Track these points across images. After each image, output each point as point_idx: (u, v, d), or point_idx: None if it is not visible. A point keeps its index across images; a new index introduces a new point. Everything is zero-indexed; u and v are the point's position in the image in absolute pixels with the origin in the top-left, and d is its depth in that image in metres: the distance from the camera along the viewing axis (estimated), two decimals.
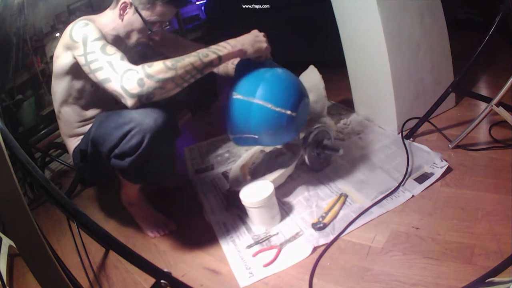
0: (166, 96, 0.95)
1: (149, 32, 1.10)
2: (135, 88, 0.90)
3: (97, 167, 1.11)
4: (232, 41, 1.03)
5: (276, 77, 1.08)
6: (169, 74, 0.92)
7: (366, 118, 1.64)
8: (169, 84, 0.93)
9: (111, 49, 0.97)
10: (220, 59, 1.00)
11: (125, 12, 1.07)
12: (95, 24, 1.03)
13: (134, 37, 1.11)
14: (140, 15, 1.06)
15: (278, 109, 1.05)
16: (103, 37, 1.01)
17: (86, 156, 1.09)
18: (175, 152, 1.11)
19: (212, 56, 0.98)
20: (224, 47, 1.01)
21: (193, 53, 0.97)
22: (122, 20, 1.08)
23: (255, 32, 1.09)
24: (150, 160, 0.96)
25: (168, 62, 0.93)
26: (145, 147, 0.92)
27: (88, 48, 0.97)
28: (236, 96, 1.07)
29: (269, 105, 1.04)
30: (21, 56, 1.91)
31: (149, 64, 0.92)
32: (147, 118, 0.91)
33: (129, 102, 0.91)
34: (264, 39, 1.07)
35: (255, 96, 1.04)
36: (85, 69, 0.97)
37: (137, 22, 1.08)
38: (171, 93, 0.95)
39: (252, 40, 1.05)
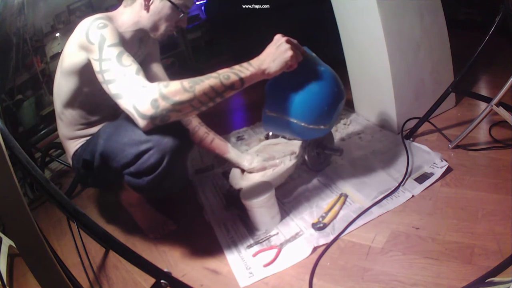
0: (183, 118, 0.89)
1: (181, 15, 1.04)
2: (148, 110, 0.83)
3: (102, 177, 1.09)
4: (255, 62, 0.93)
5: (309, 93, 1.00)
6: (186, 97, 0.84)
7: (366, 118, 1.64)
8: (186, 107, 0.85)
9: (127, 59, 0.91)
10: (243, 82, 0.90)
11: (150, 2, 1.03)
12: (114, 25, 0.97)
13: (162, 27, 1.05)
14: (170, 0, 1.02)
15: (311, 126, 1.04)
16: (121, 41, 0.95)
17: (90, 166, 1.05)
18: (186, 165, 1.09)
19: (234, 78, 0.88)
20: (247, 68, 0.91)
21: (213, 74, 0.88)
22: (148, 10, 1.03)
23: (276, 39, 0.95)
24: (168, 177, 0.94)
25: (186, 83, 0.85)
26: (164, 166, 0.90)
27: (103, 54, 0.90)
28: (270, 113, 1.05)
29: (303, 124, 1.03)
30: (21, 56, 1.91)
31: (165, 83, 0.85)
32: (165, 137, 0.88)
33: (140, 123, 0.85)
34: (287, 46, 0.92)
35: (288, 115, 1.02)
36: (99, 77, 0.91)
37: (165, 9, 1.02)
38: (187, 116, 0.90)
39: (274, 54, 0.92)
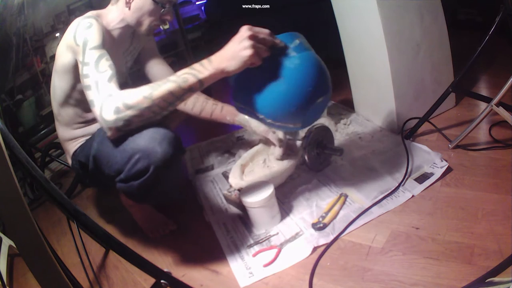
0: (147, 122, 0.90)
1: (162, 10, 1.05)
2: (111, 117, 0.85)
3: (98, 178, 1.09)
4: (215, 59, 0.87)
5: (273, 91, 0.90)
6: (145, 103, 0.85)
7: (366, 118, 1.64)
8: (146, 113, 0.87)
9: (104, 64, 0.92)
10: (202, 83, 0.87)
11: None
12: (100, 24, 0.99)
13: (146, 22, 1.07)
14: None
15: (278, 123, 0.98)
16: (104, 43, 0.97)
17: (86, 168, 1.07)
18: (181, 171, 1.07)
19: (192, 81, 0.86)
20: (206, 68, 0.87)
21: (172, 78, 0.87)
22: (130, 8, 1.05)
23: (240, 34, 0.86)
24: (158, 183, 0.94)
25: (145, 90, 0.86)
26: (151, 173, 0.90)
27: (85, 57, 0.93)
28: (239, 105, 1.01)
29: (269, 120, 0.96)
30: (21, 56, 1.91)
31: (128, 90, 0.87)
32: (152, 144, 0.88)
33: (107, 131, 0.87)
34: (247, 44, 0.83)
35: (255, 110, 0.95)
36: (81, 80, 0.94)
37: (147, 5, 1.04)
38: (151, 120, 0.90)
39: (233, 52, 0.85)
